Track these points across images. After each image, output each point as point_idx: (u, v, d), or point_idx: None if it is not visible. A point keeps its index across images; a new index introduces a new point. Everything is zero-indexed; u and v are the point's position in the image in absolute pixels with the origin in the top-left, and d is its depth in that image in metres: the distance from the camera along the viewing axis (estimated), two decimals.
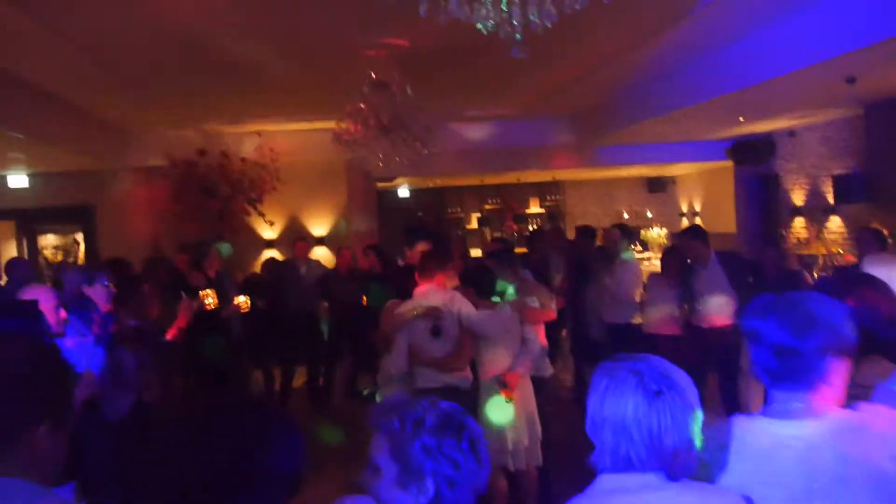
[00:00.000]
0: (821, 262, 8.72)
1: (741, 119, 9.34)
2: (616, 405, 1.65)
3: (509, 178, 15.01)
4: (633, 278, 6.96)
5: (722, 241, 11.76)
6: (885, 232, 7.13)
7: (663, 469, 1.62)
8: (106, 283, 4.84)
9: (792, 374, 1.75)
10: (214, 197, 9.70)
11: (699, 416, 1.65)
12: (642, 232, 15.53)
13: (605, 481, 1.67)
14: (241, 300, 6.72)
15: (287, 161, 10.05)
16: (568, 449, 4.48)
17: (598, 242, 7.91)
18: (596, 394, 1.71)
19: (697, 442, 1.64)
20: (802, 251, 9.18)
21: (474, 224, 16.45)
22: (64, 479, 3.28)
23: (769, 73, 6.74)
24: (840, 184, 9.05)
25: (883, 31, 5.37)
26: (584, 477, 1.72)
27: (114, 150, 9.81)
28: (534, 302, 5.21)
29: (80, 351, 4.10)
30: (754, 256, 6.40)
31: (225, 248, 8.36)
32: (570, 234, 13.95)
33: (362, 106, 6.24)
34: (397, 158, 6.29)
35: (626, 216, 16.15)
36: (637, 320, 6.65)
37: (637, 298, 6.79)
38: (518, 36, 2.26)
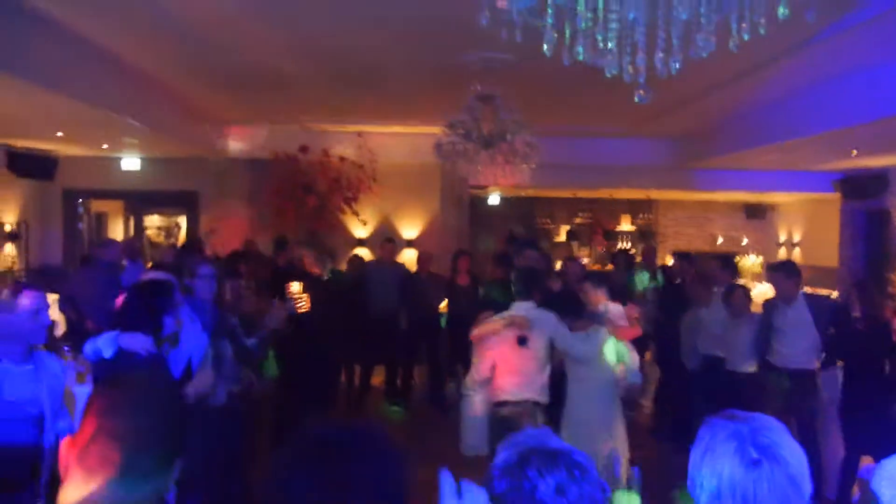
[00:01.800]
0: None
1: (854, 153, 8.96)
2: (713, 468, 1.63)
3: (602, 192, 14.82)
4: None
5: (823, 275, 11.31)
6: None
7: None
8: (208, 271, 4.94)
9: None
10: (312, 193, 9.97)
11: (805, 487, 1.60)
12: (737, 259, 15.08)
13: None
14: (296, 289, 5.78)
15: (384, 162, 10.24)
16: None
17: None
18: (697, 451, 1.69)
19: None
20: None
21: (563, 237, 16.30)
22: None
23: (887, 109, 6.46)
24: None
25: None
26: None
27: (220, 142, 10.22)
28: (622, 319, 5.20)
29: (189, 337, 4.30)
30: (842, 297, 6.13)
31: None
32: (661, 256, 13.73)
33: (466, 117, 6.29)
34: (497, 172, 6.32)
35: (720, 241, 15.71)
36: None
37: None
38: (641, 80, 2.26)
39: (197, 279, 4.68)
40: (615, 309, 5.27)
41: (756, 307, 6.51)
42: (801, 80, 7.17)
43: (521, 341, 4.81)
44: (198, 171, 10.75)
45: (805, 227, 14.09)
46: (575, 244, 16.16)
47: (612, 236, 16.09)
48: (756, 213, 15.54)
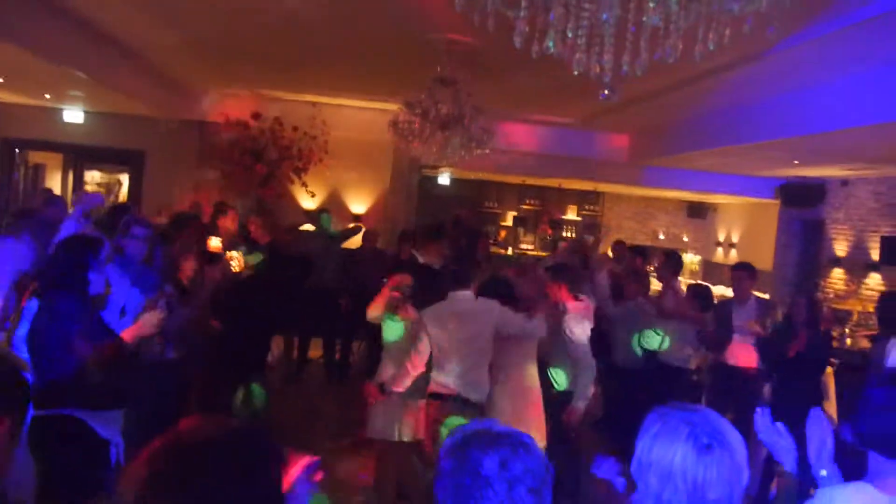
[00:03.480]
0: (854, 318, 8.63)
1: (796, 162, 9.24)
2: (665, 452, 1.69)
3: (550, 181, 14.97)
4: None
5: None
6: None
7: None
8: (143, 232, 4.82)
9: None
10: (262, 161, 9.81)
11: (745, 474, 1.69)
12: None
13: None
14: (235, 255, 5.95)
15: (337, 135, 10.13)
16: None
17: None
18: (646, 437, 1.75)
19: (739, 500, 1.67)
20: (838, 305, 9.07)
21: (510, 222, 16.43)
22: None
23: (830, 124, 6.69)
24: (887, 244, 8.93)
25: None
26: None
27: (171, 102, 9.95)
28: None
29: (119, 294, 4.21)
30: (787, 303, 6.33)
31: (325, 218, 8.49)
32: (605, 247, 13.98)
33: (424, 98, 6.26)
34: (450, 154, 6.31)
35: (661, 237, 16.05)
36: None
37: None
38: (607, 79, 2.29)
39: (129, 238, 4.57)
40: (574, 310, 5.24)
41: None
42: (751, 90, 7.34)
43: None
44: (145, 130, 10.45)
45: (743, 229, 14.48)
46: (521, 230, 16.31)
47: (558, 225, 16.27)
48: (697, 212, 15.91)
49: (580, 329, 5.11)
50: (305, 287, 8.05)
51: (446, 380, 4.48)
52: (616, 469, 2.09)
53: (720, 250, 15.08)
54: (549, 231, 16.19)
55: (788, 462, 2.26)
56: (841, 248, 10.36)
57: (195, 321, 4.98)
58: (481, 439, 1.50)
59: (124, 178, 11.84)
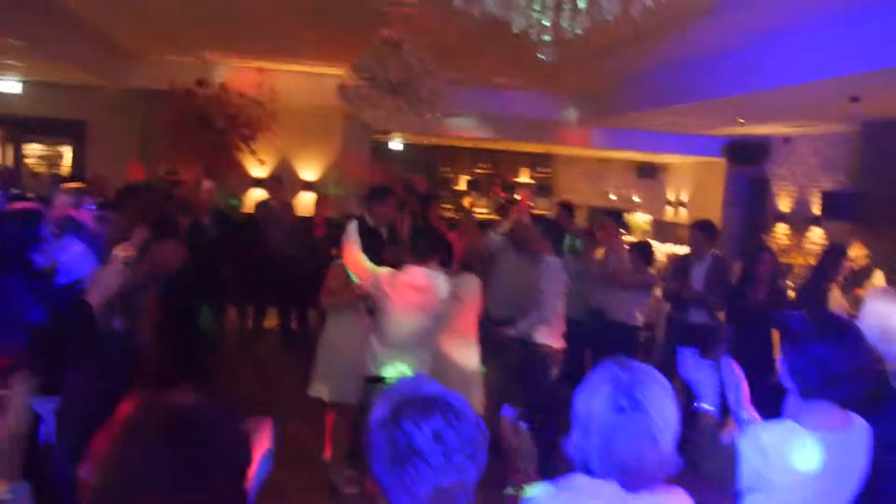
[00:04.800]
0: (796, 271, 8.90)
1: (741, 121, 9.41)
2: (587, 407, 1.74)
3: (502, 144, 15.01)
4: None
5: None
6: (863, 252, 7.31)
7: (618, 480, 1.71)
8: (92, 207, 4.80)
9: None
10: (209, 129, 9.62)
11: (664, 442, 1.70)
12: (627, 215, 15.66)
13: (575, 479, 1.77)
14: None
15: (285, 102, 9.97)
16: None
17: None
18: (580, 389, 1.79)
19: (661, 458, 1.70)
20: (781, 258, 9.33)
21: (463, 186, 16.46)
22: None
23: (773, 81, 6.82)
24: (829, 199, 9.19)
25: (886, 59, 5.47)
26: None
27: (113, 70, 9.66)
28: None
29: (75, 259, 4.15)
30: (746, 259, 6.51)
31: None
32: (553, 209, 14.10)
33: (372, 62, 6.20)
34: (400, 119, 6.28)
35: (612, 197, 16.25)
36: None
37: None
38: (547, 38, 2.30)
39: (80, 209, 4.51)
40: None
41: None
42: (694, 49, 7.44)
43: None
44: (87, 100, 10.16)
45: (692, 188, 14.74)
46: (474, 193, 16.36)
47: (511, 188, 16.35)
48: (647, 172, 16.12)
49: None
50: (257, 255, 8.00)
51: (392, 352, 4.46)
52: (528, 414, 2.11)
53: (670, 209, 15.34)
54: (502, 194, 16.27)
55: (709, 399, 2.32)
56: (785, 204, 10.63)
57: (142, 291, 4.92)
58: (412, 410, 1.47)
59: (66, 151, 11.51)
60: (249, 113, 9.86)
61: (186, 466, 1.22)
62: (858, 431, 2.27)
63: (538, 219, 6.04)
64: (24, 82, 10.00)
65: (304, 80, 10.28)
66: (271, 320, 8.72)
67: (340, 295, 4.97)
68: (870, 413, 2.35)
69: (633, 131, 11.97)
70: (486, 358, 5.37)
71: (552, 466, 4.50)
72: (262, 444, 1.57)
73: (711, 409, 2.33)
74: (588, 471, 1.75)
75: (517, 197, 15.80)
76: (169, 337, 5.63)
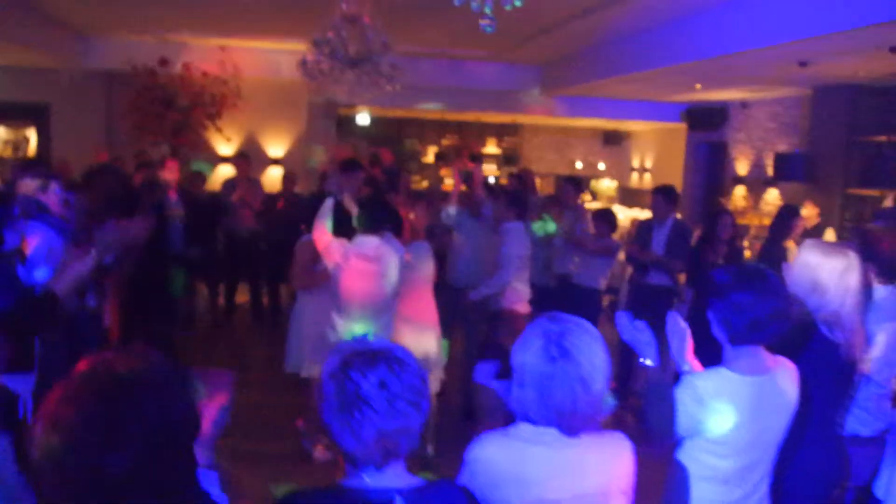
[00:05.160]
0: (752, 232, 9.19)
1: (698, 86, 9.61)
2: (522, 360, 1.88)
3: (469, 115, 15.09)
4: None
5: None
6: (814, 211, 7.57)
7: (558, 425, 1.86)
8: (59, 191, 4.83)
9: None
10: (173, 108, 9.62)
11: (596, 386, 1.84)
12: (593, 182, 15.89)
13: (518, 428, 1.92)
14: None
15: (249, 79, 10.00)
16: None
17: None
18: (517, 344, 1.93)
19: (594, 402, 1.85)
20: (738, 220, 9.60)
21: (431, 158, 16.53)
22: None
23: (727, 47, 7.00)
24: (780, 161, 9.44)
25: (834, 24, 5.66)
26: None
27: (73, 52, 9.60)
28: None
29: (43, 244, 4.21)
30: (706, 222, 6.71)
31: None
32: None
33: (331, 36, 6.27)
34: (361, 92, 6.38)
35: (579, 165, 16.44)
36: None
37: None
38: (488, 10, 2.42)
39: (47, 193, 4.54)
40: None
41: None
42: (652, 15, 7.59)
43: None
44: (49, 83, 10.07)
45: (656, 154, 14.99)
46: (442, 165, 16.43)
47: (479, 159, 16.42)
48: (613, 139, 16.33)
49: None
50: (225, 231, 8.08)
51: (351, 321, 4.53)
52: (492, 372, 2.24)
53: (635, 175, 15.59)
54: (471, 165, 16.33)
55: (651, 356, 2.49)
56: (742, 168, 10.90)
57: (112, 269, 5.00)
58: (360, 361, 1.59)
59: (32, 134, 11.41)
60: (213, 91, 9.87)
61: (119, 425, 1.27)
62: (786, 372, 2.46)
63: (502, 189, 6.18)
64: None
65: (268, 56, 10.29)
66: (243, 296, 8.81)
67: (310, 274, 5.06)
68: (796, 355, 2.56)
69: (595, 99, 12.12)
70: (451, 324, 5.55)
71: None
72: (220, 397, 1.69)
73: (652, 363, 2.50)
74: (529, 420, 1.90)
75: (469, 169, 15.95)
76: (136, 313, 5.75)
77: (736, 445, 2.37)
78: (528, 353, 1.88)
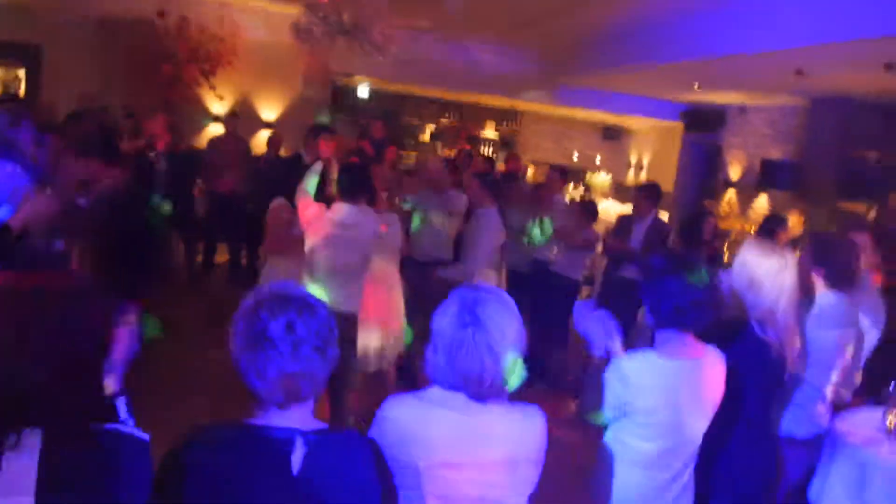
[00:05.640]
0: (733, 236, 9.18)
1: (696, 86, 9.57)
2: (440, 323, 1.91)
3: (469, 97, 15.01)
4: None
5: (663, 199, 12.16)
6: (799, 220, 7.56)
7: (466, 390, 1.88)
8: (30, 129, 4.80)
9: None
10: (168, 61, 9.54)
11: (503, 353, 1.86)
12: (588, 176, 15.86)
13: (429, 391, 1.94)
14: None
15: (246, 38, 9.91)
16: None
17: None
18: (437, 310, 1.96)
19: (500, 370, 1.86)
20: (723, 224, 9.61)
21: (427, 136, 16.47)
22: None
23: (725, 49, 6.97)
24: (767, 167, 9.45)
25: (829, 35, 5.64)
26: None
27: None
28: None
29: (8, 182, 4.19)
30: (689, 221, 6.73)
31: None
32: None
33: (325, 1, 6.22)
34: (349, 60, 6.33)
35: (575, 157, 16.40)
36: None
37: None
38: None
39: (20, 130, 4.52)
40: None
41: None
42: (658, 10, 7.55)
43: None
44: (43, 23, 9.94)
45: (653, 152, 14.95)
46: (439, 143, 16.38)
47: (476, 141, 16.40)
48: (612, 134, 16.28)
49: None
50: (207, 190, 8.04)
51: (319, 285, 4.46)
52: None
53: (631, 172, 15.56)
54: (468, 147, 16.29)
55: (600, 348, 2.54)
56: (735, 172, 10.88)
57: (84, 216, 4.98)
58: (271, 302, 1.63)
59: (22, 75, 11.30)
60: (209, 47, 9.78)
61: (27, 336, 1.37)
62: (713, 362, 2.48)
63: (482, 177, 6.11)
64: None
65: (267, 17, 10.19)
66: (222, 256, 8.79)
67: (283, 238, 5.00)
68: (727, 348, 2.57)
69: (596, 91, 12.07)
70: (417, 300, 5.52)
71: None
72: (129, 322, 1.72)
73: (600, 354, 2.54)
74: (440, 383, 1.92)
75: (483, 150, 15.93)
76: (106, 259, 5.71)
77: (658, 427, 2.39)
78: (444, 319, 1.90)
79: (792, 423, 3.11)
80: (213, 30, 9.75)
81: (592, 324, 2.58)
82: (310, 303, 1.66)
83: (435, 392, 1.93)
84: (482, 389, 1.87)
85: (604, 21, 8.51)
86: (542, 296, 6.51)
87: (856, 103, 8.35)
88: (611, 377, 2.41)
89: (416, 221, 5.93)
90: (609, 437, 2.50)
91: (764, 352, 2.75)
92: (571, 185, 14.34)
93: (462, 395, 1.89)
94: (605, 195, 15.19)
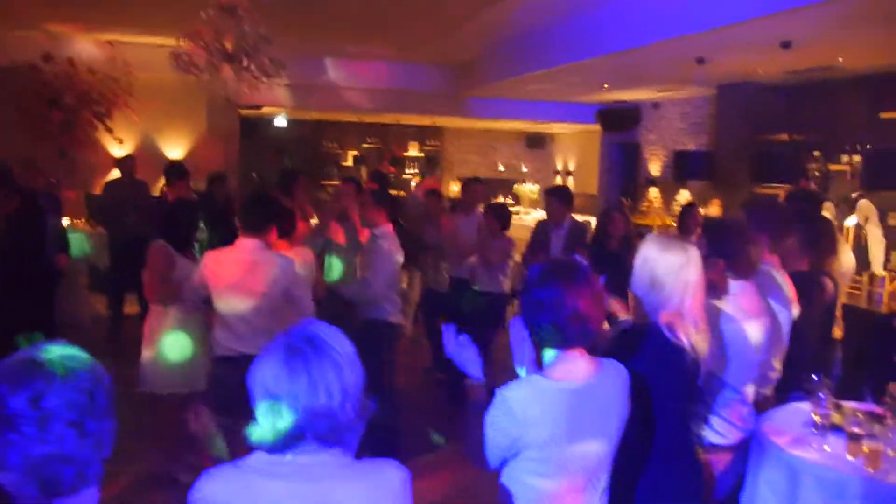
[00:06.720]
0: (654, 231, 9.10)
1: (605, 86, 9.51)
2: (256, 376, 1.61)
3: (389, 118, 14.78)
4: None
5: (586, 201, 12.10)
6: (718, 210, 7.52)
7: (293, 445, 1.58)
8: None
9: None
10: (58, 107, 9.04)
11: (337, 397, 1.57)
12: (516, 186, 15.75)
13: (254, 458, 1.63)
14: None
15: (142, 77, 9.46)
16: None
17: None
18: (254, 364, 1.64)
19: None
20: (641, 220, 9.55)
21: (350, 162, 16.17)
22: None
23: (624, 44, 6.87)
24: (680, 159, 9.44)
25: (725, 17, 5.56)
26: None
27: None
28: None
29: None
30: (600, 220, 6.55)
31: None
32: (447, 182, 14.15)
33: (204, 28, 5.89)
34: (236, 87, 6.01)
35: (501, 168, 16.30)
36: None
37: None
38: None
39: None
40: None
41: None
42: (556, 10, 7.43)
43: None
44: None
45: (577, 157, 14.94)
46: (363, 167, 16.08)
47: (400, 162, 16.18)
48: (536, 142, 16.26)
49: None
50: (109, 238, 7.60)
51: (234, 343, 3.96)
52: None
53: (559, 178, 15.51)
54: (392, 169, 16.05)
55: (475, 372, 2.24)
56: (655, 168, 10.86)
57: None
58: (11, 373, 1.32)
59: None
60: (102, 89, 9.32)
61: None
62: (612, 379, 2.20)
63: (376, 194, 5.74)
64: None
65: (159, 52, 9.70)
66: (132, 306, 8.28)
67: (164, 284, 4.52)
68: (632, 355, 2.32)
69: (511, 101, 11.98)
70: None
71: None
72: None
73: (477, 380, 2.24)
74: (264, 447, 1.59)
75: (408, 171, 15.64)
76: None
77: (557, 463, 2.10)
78: (262, 370, 1.58)
79: (714, 431, 2.88)
80: (105, 71, 9.29)
81: (462, 349, 2.28)
82: (67, 367, 1.34)
83: (259, 459, 1.61)
84: (331, 426, 1.57)
85: (504, 28, 8.37)
86: (468, 316, 6.24)
87: (760, 86, 8.38)
88: (496, 413, 2.09)
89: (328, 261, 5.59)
90: (505, 478, 2.20)
91: (675, 357, 2.49)
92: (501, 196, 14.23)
93: (291, 458, 1.58)
94: (534, 204, 15.09)
